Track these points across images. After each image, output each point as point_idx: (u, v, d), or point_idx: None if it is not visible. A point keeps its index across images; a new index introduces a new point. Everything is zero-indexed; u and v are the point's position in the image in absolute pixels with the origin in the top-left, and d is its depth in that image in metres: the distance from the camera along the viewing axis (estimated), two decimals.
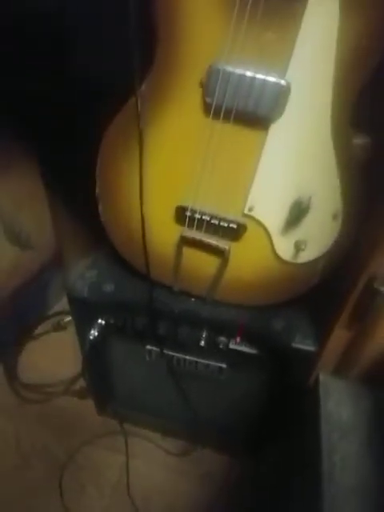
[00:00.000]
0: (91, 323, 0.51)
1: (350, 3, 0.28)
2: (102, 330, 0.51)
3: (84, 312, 0.51)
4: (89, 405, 0.76)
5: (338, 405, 0.36)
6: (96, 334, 0.49)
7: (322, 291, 0.43)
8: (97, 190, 0.44)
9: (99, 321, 0.51)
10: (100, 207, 0.45)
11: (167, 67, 0.34)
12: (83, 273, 0.53)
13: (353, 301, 0.35)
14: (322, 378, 0.37)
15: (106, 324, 0.51)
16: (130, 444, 0.67)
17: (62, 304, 0.98)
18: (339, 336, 0.38)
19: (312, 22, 0.29)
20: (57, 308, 0.97)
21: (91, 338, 0.49)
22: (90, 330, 0.49)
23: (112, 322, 0.52)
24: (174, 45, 0.33)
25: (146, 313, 0.50)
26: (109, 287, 0.51)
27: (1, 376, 0.82)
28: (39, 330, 0.93)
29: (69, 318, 0.93)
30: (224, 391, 0.58)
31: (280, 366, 0.47)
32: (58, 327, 0.93)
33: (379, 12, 0.28)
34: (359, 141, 0.37)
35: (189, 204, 0.40)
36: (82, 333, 0.54)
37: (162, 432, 0.70)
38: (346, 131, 0.34)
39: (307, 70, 0.31)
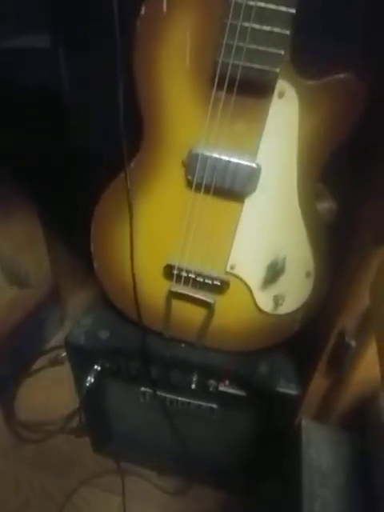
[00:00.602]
0: (88, 369, 0.54)
1: (307, 103, 0.33)
2: (98, 375, 0.54)
3: (81, 359, 0.54)
4: (85, 443, 0.77)
5: (319, 451, 0.39)
6: (92, 380, 0.52)
7: (302, 337, 0.47)
8: (91, 248, 0.48)
9: (95, 367, 0.54)
10: (95, 263, 0.49)
11: (153, 149, 0.39)
12: (79, 320, 0.56)
13: (327, 352, 0.39)
14: (304, 423, 0.40)
15: (101, 369, 0.54)
16: (126, 483, 0.68)
17: (59, 338, 1.00)
18: (318, 383, 0.41)
19: (276, 117, 0.34)
20: (53, 342, 1.00)
21: (88, 384, 0.52)
22: (87, 377, 0.52)
23: (107, 366, 0.55)
24: (158, 131, 0.37)
25: (139, 358, 0.53)
26: (104, 334, 0.54)
27: None
28: (36, 365, 0.94)
29: (66, 354, 0.95)
30: (216, 430, 0.60)
31: (266, 408, 0.50)
32: (55, 362, 0.95)
33: (332, 110, 0.33)
34: (326, 205, 0.42)
35: (176, 263, 0.44)
36: (78, 378, 0.56)
37: (158, 470, 0.71)
38: (312, 200, 0.39)
39: (274, 154, 0.36)
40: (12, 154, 0.63)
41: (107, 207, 0.44)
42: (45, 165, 0.62)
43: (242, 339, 0.48)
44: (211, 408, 0.56)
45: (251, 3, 0.29)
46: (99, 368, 0.54)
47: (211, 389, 0.52)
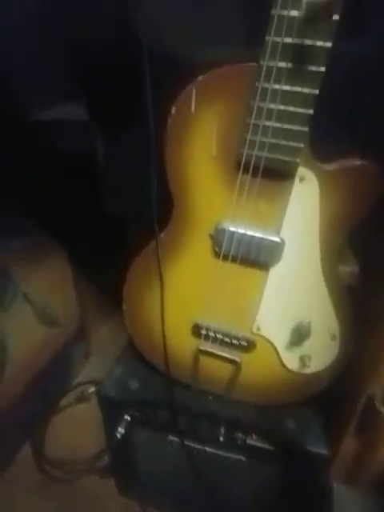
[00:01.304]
0: (118, 418, 0.56)
1: (326, 186, 0.36)
2: (128, 425, 0.56)
3: (111, 408, 0.57)
4: (111, 484, 0.78)
5: None
6: (123, 431, 0.54)
7: (331, 395, 0.47)
8: (124, 307, 0.51)
9: (125, 417, 0.56)
10: (126, 320, 0.52)
11: (182, 222, 0.42)
12: (110, 371, 0.58)
13: (357, 416, 0.39)
14: (336, 488, 0.40)
15: (131, 419, 0.56)
16: None
17: (84, 374, 1.03)
18: (349, 444, 0.41)
19: (297, 198, 0.37)
20: (79, 378, 1.03)
21: (118, 435, 0.54)
22: (118, 427, 0.54)
23: (137, 415, 0.57)
24: (186, 207, 0.41)
25: (167, 408, 0.54)
26: (133, 384, 0.57)
27: (28, 453, 0.86)
28: (63, 401, 0.97)
29: (92, 389, 0.98)
30: (244, 481, 0.60)
31: (295, 464, 0.50)
32: (82, 398, 0.97)
33: (350, 194, 0.35)
34: (348, 268, 0.43)
35: (203, 323, 0.47)
36: (108, 425, 0.59)
37: None
38: (335, 268, 0.41)
39: (297, 231, 0.38)
40: (48, 207, 0.69)
41: (139, 272, 0.47)
42: (78, 218, 0.67)
43: (269, 394, 0.49)
44: (239, 460, 0.56)
45: (272, 106, 0.33)
46: (129, 418, 0.56)
47: (239, 442, 0.53)
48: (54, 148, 0.61)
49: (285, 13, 0.30)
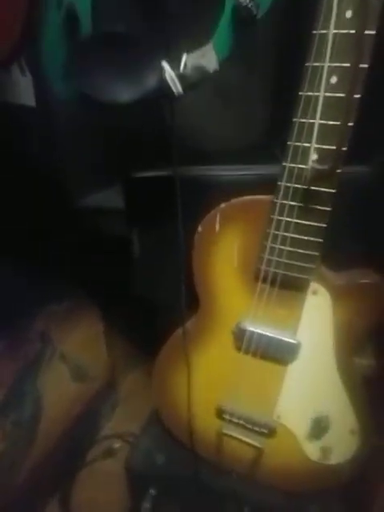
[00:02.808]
0: (144, 492, 0.59)
1: (338, 300, 0.40)
2: (154, 499, 0.58)
3: (138, 481, 0.60)
4: None
5: None
6: (148, 506, 0.57)
7: (354, 486, 0.48)
8: (153, 384, 0.56)
9: (151, 491, 0.59)
10: (153, 396, 0.56)
11: (207, 317, 0.48)
12: (137, 441, 0.62)
13: (378, 506, 0.40)
14: None
15: (157, 493, 0.59)
16: None
17: (111, 426, 1.06)
18: None
19: (311, 308, 0.42)
20: (106, 430, 1.06)
21: (144, 511, 0.56)
22: (143, 502, 0.57)
23: (162, 489, 0.59)
24: (211, 307, 0.47)
25: (192, 484, 0.56)
26: (160, 459, 0.60)
27: (55, 509, 0.88)
28: (90, 456, 1.00)
29: (118, 444, 1.00)
30: None
31: None
32: (108, 454, 1.00)
33: (360, 307, 0.39)
34: (365, 361, 0.46)
35: (227, 407, 0.50)
36: (135, 498, 0.61)
37: None
38: (351, 366, 0.44)
39: (312, 334, 0.42)
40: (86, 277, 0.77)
41: (168, 354, 0.53)
42: (112, 287, 0.74)
43: (291, 480, 0.51)
44: None
45: (286, 234, 0.39)
46: (155, 492, 0.59)
47: None
48: (95, 230, 0.70)
49: (294, 165, 0.36)
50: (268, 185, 0.39)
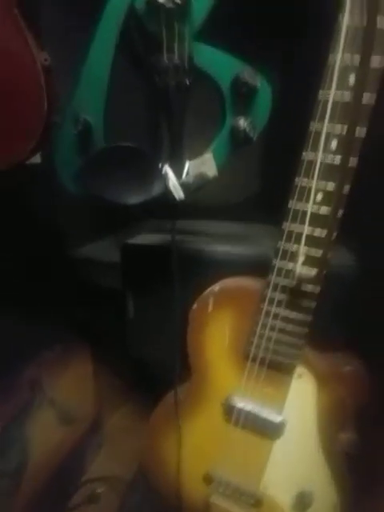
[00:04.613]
0: None
1: (322, 384, 0.43)
2: None
3: None
4: None
5: None
6: None
7: None
8: (143, 444, 0.57)
9: None
10: (143, 457, 0.57)
11: (198, 387, 0.51)
12: (124, 499, 0.63)
13: None
14: None
15: None
16: None
17: (95, 468, 1.05)
18: None
19: (297, 389, 0.45)
20: (91, 472, 1.04)
21: None
22: None
23: None
24: (202, 378, 0.50)
25: None
26: None
27: None
28: (74, 500, 0.98)
29: (102, 489, 0.99)
30: None
31: None
32: (92, 498, 0.98)
33: (343, 391, 0.42)
34: (347, 435, 0.49)
35: (215, 474, 0.52)
36: None
37: None
38: (333, 443, 0.46)
39: (297, 414, 0.45)
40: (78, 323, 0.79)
41: (157, 421, 0.55)
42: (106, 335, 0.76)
43: None
44: None
45: (274, 322, 0.42)
46: None
47: None
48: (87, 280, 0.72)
49: (282, 265, 0.40)
50: (263, 265, 0.43)
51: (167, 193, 0.37)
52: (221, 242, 0.55)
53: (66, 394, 0.91)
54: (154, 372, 0.63)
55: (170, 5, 0.31)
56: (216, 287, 0.46)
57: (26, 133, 0.37)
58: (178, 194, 0.37)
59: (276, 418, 0.45)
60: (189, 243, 0.54)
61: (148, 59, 0.34)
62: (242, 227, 0.67)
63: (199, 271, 0.51)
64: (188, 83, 0.34)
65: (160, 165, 0.36)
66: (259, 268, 0.44)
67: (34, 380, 0.80)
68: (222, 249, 0.54)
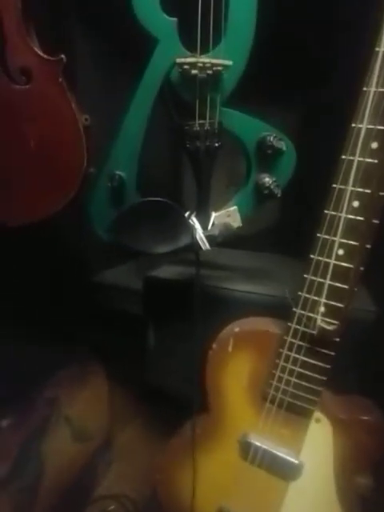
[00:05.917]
0: None
1: (339, 430, 0.44)
2: None
3: None
4: None
5: None
6: None
7: None
8: (157, 477, 0.58)
9: None
10: (159, 489, 0.59)
11: (215, 423, 0.52)
12: None
13: None
14: None
15: None
16: None
17: (107, 484, 1.06)
18: None
19: (314, 434, 0.45)
20: (102, 488, 1.06)
21: None
22: None
23: None
24: (219, 415, 0.51)
25: None
26: None
27: None
28: None
29: (113, 507, 1.00)
30: None
31: None
32: None
33: (360, 440, 0.43)
34: (364, 480, 0.49)
35: (228, 510, 0.52)
36: None
37: None
38: (349, 488, 0.46)
39: (314, 457, 0.46)
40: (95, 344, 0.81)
41: (175, 450, 0.56)
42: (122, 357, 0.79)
43: None
44: None
45: (293, 367, 0.43)
46: None
47: None
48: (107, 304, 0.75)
49: (303, 313, 0.41)
50: (283, 306, 0.44)
51: (194, 244, 0.39)
52: (242, 280, 0.57)
53: (81, 413, 0.93)
54: (168, 400, 0.65)
55: (203, 75, 0.33)
56: (236, 327, 0.47)
57: (67, 185, 0.40)
58: (205, 244, 0.39)
59: (293, 459, 0.46)
60: (210, 279, 0.56)
61: (180, 124, 0.37)
62: (260, 258, 0.69)
63: (219, 308, 0.53)
64: (217, 145, 0.36)
65: (187, 216, 0.38)
66: (279, 308, 0.45)
67: (52, 399, 0.83)
68: (243, 288, 0.56)
